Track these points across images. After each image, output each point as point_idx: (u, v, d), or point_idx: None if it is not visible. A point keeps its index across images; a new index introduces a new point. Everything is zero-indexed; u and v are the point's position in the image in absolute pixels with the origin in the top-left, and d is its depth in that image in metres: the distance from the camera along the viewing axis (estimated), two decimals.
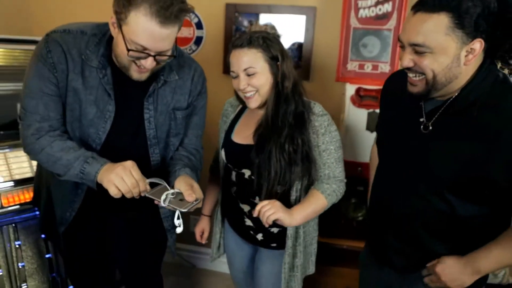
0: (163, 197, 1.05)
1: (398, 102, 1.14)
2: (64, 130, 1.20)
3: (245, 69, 1.26)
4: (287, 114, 1.29)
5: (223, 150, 1.43)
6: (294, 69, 1.34)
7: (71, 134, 1.20)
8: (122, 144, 1.25)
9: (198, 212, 2.50)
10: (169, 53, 1.10)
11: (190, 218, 2.54)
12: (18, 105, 1.79)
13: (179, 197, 1.07)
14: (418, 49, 0.94)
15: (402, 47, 0.99)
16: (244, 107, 1.46)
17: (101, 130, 1.21)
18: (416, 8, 0.94)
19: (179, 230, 1.06)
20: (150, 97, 1.24)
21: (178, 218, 1.07)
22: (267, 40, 1.26)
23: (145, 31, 1.01)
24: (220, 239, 1.63)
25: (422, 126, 1.06)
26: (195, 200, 1.06)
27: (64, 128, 1.20)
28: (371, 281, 1.30)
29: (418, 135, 1.06)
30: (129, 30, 1.02)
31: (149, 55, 1.06)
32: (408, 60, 0.97)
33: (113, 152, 1.21)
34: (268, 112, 1.30)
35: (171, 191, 1.08)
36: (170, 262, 1.65)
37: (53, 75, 1.13)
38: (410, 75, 1.01)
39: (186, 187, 1.09)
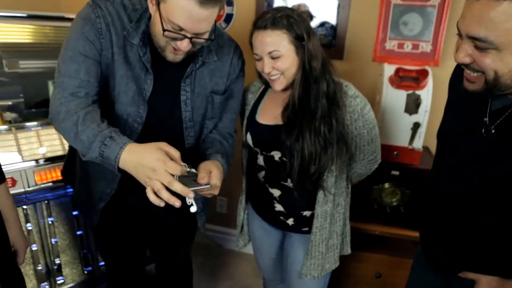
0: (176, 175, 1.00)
1: (464, 94, 0.93)
2: (97, 100, 1.12)
3: (269, 52, 1.19)
4: (319, 95, 1.22)
5: (248, 133, 1.38)
6: (322, 47, 1.26)
7: (106, 114, 1.13)
8: (157, 126, 1.21)
9: (224, 194, 2.51)
10: (206, 35, 1.05)
11: (216, 199, 2.54)
12: (50, 82, 1.83)
13: (193, 177, 1.03)
14: (479, 44, 0.76)
15: (460, 35, 0.82)
16: (266, 88, 1.41)
17: (141, 109, 1.17)
18: None
19: (192, 209, 1.00)
20: (188, 79, 1.19)
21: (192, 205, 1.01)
22: (291, 19, 1.18)
23: (183, 11, 0.96)
24: (244, 226, 1.61)
25: (483, 129, 0.89)
26: (206, 184, 1.02)
27: (97, 97, 1.13)
28: (421, 278, 1.22)
29: (478, 138, 0.90)
30: (167, 8, 0.98)
31: (185, 36, 1.01)
32: (464, 55, 0.80)
33: (150, 134, 1.17)
34: (296, 94, 1.23)
35: (191, 169, 1.04)
36: (197, 242, 1.65)
37: (99, 41, 1.08)
38: (467, 70, 0.84)
39: (202, 170, 1.04)
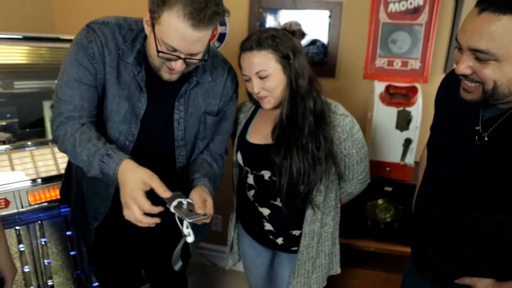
0: (174, 203, 1.01)
1: (454, 104, 1.00)
2: (93, 122, 1.17)
3: (257, 73, 1.22)
4: (306, 113, 1.24)
5: (239, 152, 1.39)
6: (314, 65, 1.29)
7: (101, 132, 1.18)
8: (150, 144, 1.23)
9: (219, 211, 2.50)
10: (199, 56, 1.07)
11: (212, 217, 2.52)
12: (44, 103, 1.84)
13: (190, 207, 1.03)
14: (480, 56, 0.80)
15: (459, 49, 0.86)
16: (257, 107, 1.42)
17: (133, 127, 1.19)
18: (482, 6, 0.79)
19: (189, 239, 1.02)
20: (182, 98, 1.21)
21: (188, 228, 1.03)
22: (277, 39, 1.20)
23: (177, 33, 0.98)
24: (234, 245, 1.61)
25: (477, 137, 0.93)
26: (204, 215, 1.03)
27: (94, 120, 1.18)
28: None
29: (471, 146, 0.94)
30: (161, 30, 1.00)
31: (179, 57, 1.04)
32: (466, 67, 0.84)
33: (141, 153, 1.19)
34: (284, 112, 1.25)
35: (186, 200, 1.04)
36: (192, 260, 1.64)
37: (93, 66, 1.12)
38: (465, 81, 0.88)
39: (198, 200, 1.05)
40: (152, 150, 1.22)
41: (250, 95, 1.35)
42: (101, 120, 1.20)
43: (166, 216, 1.04)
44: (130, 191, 0.98)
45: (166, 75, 1.11)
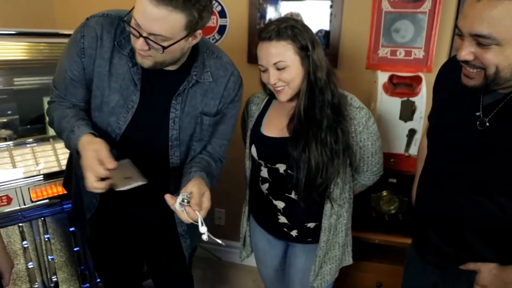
0: (179, 199, 1.00)
1: (453, 91, 1.02)
2: (82, 108, 1.24)
3: (274, 63, 1.19)
4: (325, 105, 1.23)
5: (253, 146, 1.37)
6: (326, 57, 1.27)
7: (92, 121, 1.21)
8: (142, 140, 1.21)
9: (222, 205, 2.50)
10: (162, 41, 1.02)
11: (214, 211, 2.52)
12: (45, 99, 1.83)
13: (188, 199, 1.01)
14: (481, 41, 0.80)
15: (460, 35, 0.86)
16: (270, 99, 1.40)
17: (121, 120, 1.18)
18: None
19: (204, 237, 1.00)
20: (179, 96, 1.19)
21: (202, 225, 0.99)
22: (296, 30, 1.18)
23: (140, 6, 0.97)
24: (247, 238, 1.60)
25: (478, 122, 0.94)
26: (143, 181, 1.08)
27: (85, 108, 1.24)
28: (416, 277, 1.22)
29: (472, 131, 0.95)
30: (135, 6, 1.00)
31: (140, 35, 1.00)
32: (467, 53, 0.84)
33: (132, 147, 1.18)
34: (302, 105, 1.23)
35: (186, 194, 1.02)
36: (196, 255, 1.63)
37: (80, 61, 1.14)
38: (467, 67, 0.88)
39: (197, 195, 1.02)
40: (144, 148, 1.21)
41: (264, 86, 1.33)
42: (90, 111, 1.23)
43: (157, 197, 1.05)
44: (86, 161, 1.02)
45: (138, 59, 1.09)
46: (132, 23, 1.01)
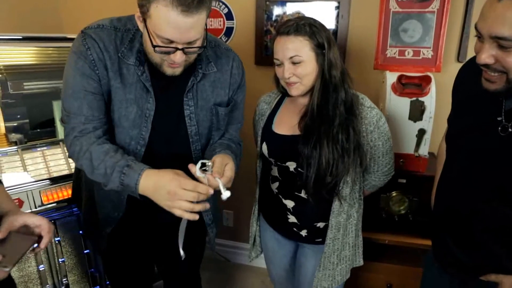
0: (198, 165, 1.03)
1: (472, 94, 0.98)
2: (107, 129, 1.15)
3: (290, 57, 1.21)
4: (338, 103, 1.24)
5: (264, 143, 1.38)
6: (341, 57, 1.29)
7: (111, 139, 1.16)
8: (164, 143, 1.21)
9: (230, 207, 2.50)
10: (198, 43, 1.02)
11: (223, 212, 2.52)
12: (54, 103, 1.84)
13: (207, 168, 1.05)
14: (503, 43, 0.77)
15: (479, 37, 0.84)
16: (281, 98, 1.41)
17: (144, 130, 1.16)
18: None
19: (226, 194, 1.01)
20: (189, 93, 1.19)
21: (225, 190, 1.01)
22: (314, 27, 1.21)
23: (168, 23, 0.93)
24: (256, 238, 1.60)
25: (500, 128, 0.91)
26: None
27: (107, 127, 1.15)
28: (433, 284, 1.20)
29: (494, 137, 0.92)
30: (153, 23, 0.96)
31: (177, 48, 0.99)
32: (488, 56, 0.81)
33: (155, 152, 1.17)
34: (315, 102, 1.25)
35: (206, 160, 1.05)
36: (205, 256, 1.64)
37: (95, 73, 1.08)
38: (488, 71, 0.85)
39: (219, 164, 1.06)
40: (167, 149, 1.20)
41: (277, 82, 1.35)
42: (110, 126, 1.17)
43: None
44: (169, 194, 0.98)
45: (168, 70, 1.08)
46: (160, 42, 0.98)
